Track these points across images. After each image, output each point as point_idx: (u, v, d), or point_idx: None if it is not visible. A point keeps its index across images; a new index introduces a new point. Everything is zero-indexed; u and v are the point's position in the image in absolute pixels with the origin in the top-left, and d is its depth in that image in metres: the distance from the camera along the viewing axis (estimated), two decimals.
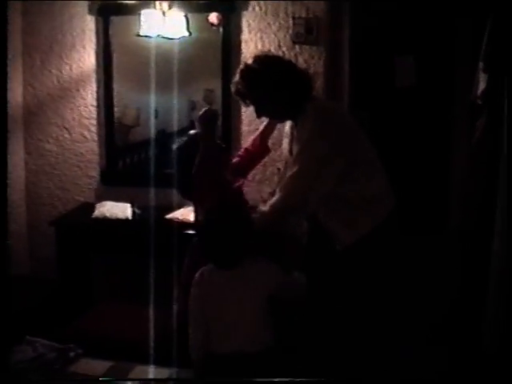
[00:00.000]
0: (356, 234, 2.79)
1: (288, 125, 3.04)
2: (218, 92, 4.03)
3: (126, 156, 4.38)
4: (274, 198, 2.80)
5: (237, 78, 2.86)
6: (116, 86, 4.19)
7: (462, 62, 4.16)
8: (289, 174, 2.78)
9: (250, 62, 2.86)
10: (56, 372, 2.52)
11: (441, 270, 3.96)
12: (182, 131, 4.13)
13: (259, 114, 2.96)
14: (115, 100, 4.22)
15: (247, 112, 3.95)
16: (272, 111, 2.95)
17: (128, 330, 3.23)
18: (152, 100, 4.08)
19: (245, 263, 2.55)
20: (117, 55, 4.14)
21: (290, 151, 2.96)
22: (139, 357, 2.77)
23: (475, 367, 3.18)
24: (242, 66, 2.88)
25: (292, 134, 2.96)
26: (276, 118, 3.07)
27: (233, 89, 2.89)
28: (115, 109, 4.23)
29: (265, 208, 2.78)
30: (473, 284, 3.57)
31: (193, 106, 4.18)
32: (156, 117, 4.18)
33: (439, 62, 4.47)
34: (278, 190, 2.83)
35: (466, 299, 3.62)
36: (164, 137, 4.08)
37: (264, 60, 2.86)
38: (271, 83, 2.81)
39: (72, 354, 2.68)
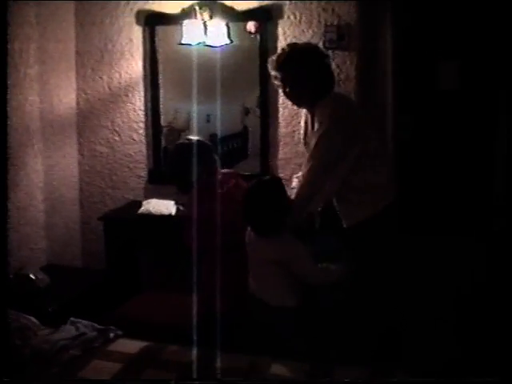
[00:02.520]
0: (359, 217, 3.07)
1: (303, 118, 3.28)
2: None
3: None
4: (296, 191, 3.06)
5: (274, 56, 3.15)
6: (165, 92, 4.41)
7: (507, 68, 4.27)
8: (306, 168, 3.03)
9: (287, 48, 3.16)
10: (94, 349, 2.77)
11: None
12: (234, 136, 4.39)
13: (286, 94, 3.19)
14: (165, 105, 4.44)
15: (285, 114, 4.18)
16: (298, 94, 3.14)
17: (165, 317, 3.44)
18: (202, 106, 4.25)
19: None
20: (163, 63, 4.36)
21: (305, 142, 3.23)
22: (174, 340, 2.93)
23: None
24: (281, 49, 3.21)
25: (306, 125, 3.21)
26: (298, 101, 3.23)
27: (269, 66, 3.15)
28: (164, 113, 4.44)
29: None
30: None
31: (246, 112, 4.36)
32: (208, 121, 4.35)
33: (484, 67, 4.57)
34: (296, 182, 3.11)
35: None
36: (216, 141, 4.18)
37: (303, 45, 3.24)
38: (307, 64, 3.08)
39: (112, 334, 2.88)
